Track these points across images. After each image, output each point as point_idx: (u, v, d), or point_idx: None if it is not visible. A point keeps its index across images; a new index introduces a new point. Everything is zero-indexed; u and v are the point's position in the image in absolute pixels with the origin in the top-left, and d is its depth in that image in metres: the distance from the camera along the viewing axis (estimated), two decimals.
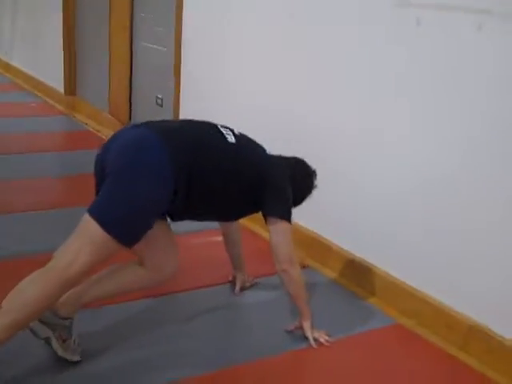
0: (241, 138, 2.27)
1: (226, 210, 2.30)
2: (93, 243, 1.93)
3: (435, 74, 2.51)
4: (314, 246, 3.15)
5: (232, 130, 2.27)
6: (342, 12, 2.89)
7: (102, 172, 2.04)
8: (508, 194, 2.29)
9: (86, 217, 1.94)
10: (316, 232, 3.16)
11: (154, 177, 1.98)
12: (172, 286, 2.54)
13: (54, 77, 6.08)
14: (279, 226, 2.26)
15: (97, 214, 1.93)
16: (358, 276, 2.92)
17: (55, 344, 2.08)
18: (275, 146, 2.44)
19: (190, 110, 4.04)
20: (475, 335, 2.41)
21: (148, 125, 2.14)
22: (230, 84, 3.73)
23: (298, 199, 2.45)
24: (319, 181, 2.52)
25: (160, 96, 4.53)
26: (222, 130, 2.23)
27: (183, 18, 4.05)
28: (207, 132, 2.21)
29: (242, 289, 2.78)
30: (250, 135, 2.37)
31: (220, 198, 2.19)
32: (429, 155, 2.57)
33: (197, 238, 3.12)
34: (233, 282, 2.80)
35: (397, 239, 2.75)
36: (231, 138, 2.21)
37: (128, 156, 1.99)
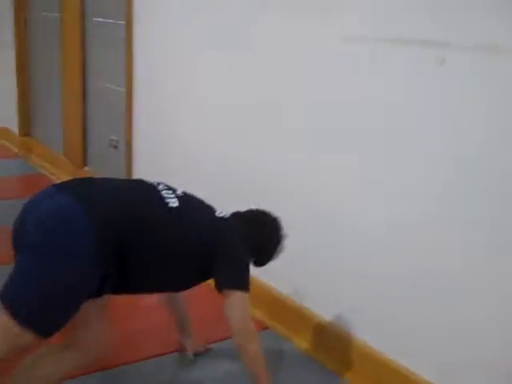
0: (185, 200, 1.99)
1: (171, 284, 2.05)
2: (2, 332, 1.69)
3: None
4: (283, 310, 2.76)
5: (175, 191, 2.00)
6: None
7: (17, 244, 1.78)
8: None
9: None
10: (286, 295, 2.77)
11: (73, 262, 1.70)
12: (111, 358, 2.20)
13: (8, 117, 5.80)
14: (233, 297, 1.98)
15: (6, 300, 1.68)
16: (332, 347, 2.53)
17: None
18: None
19: (144, 153, 3.81)
20: None
21: (74, 192, 1.80)
22: (184, 128, 3.43)
23: (267, 254, 2.22)
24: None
25: (115, 138, 4.21)
26: (163, 193, 1.95)
27: (133, 57, 3.79)
28: (144, 199, 1.93)
29: (195, 354, 2.46)
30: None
31: (163, 273, 1.93)
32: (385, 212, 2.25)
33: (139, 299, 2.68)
34: (181, 350, 2.45)
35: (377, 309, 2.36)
36: (173, 202, 1.93)
37: (45, 236, 1.71)
